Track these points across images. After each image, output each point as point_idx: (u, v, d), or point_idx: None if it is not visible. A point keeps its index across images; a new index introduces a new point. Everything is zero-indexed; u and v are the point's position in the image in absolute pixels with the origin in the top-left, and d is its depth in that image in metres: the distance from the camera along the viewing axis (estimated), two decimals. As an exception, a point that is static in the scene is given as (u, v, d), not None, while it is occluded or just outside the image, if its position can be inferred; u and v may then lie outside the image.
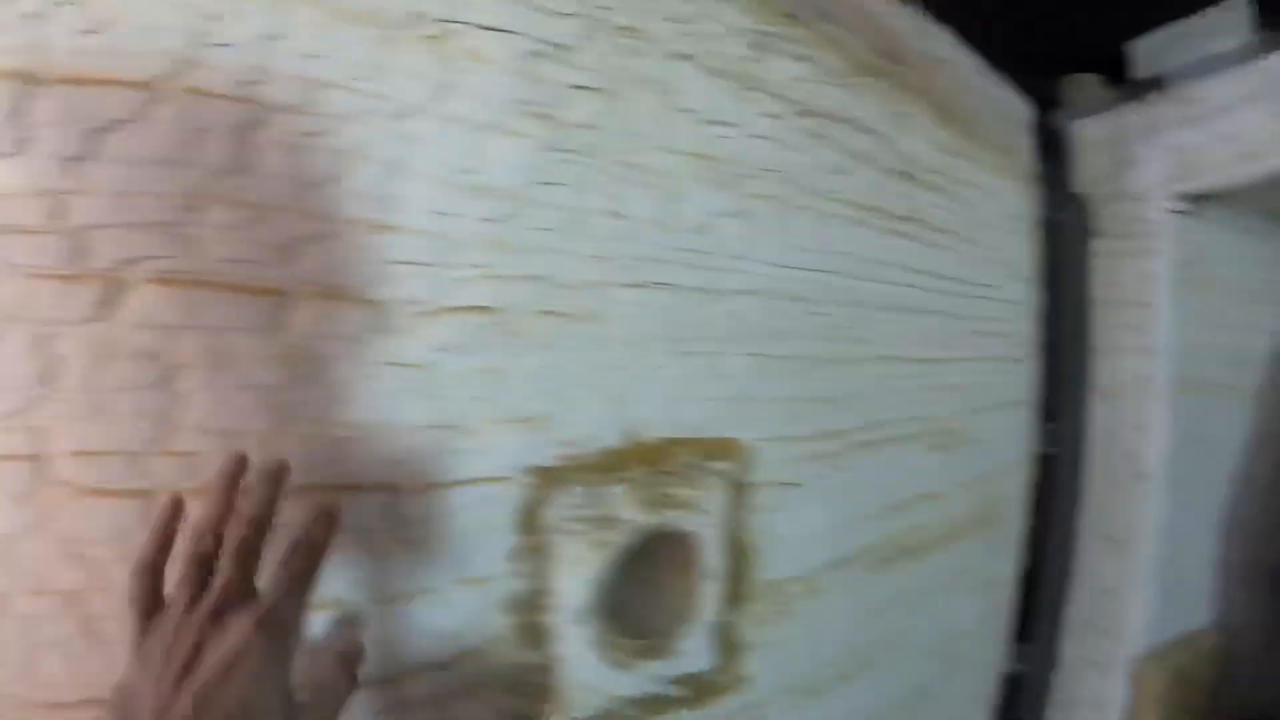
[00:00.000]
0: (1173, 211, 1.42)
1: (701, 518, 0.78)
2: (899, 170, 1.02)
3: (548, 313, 0.67)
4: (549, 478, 0.68)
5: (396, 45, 0.60)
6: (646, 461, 0.74)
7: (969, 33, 1.27)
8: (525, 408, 0.66)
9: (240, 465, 0.52)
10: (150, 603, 0.47)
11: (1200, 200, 1.46)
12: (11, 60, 0.48)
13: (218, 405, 0.54)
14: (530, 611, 0.70)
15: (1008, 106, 1.38)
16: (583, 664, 0.73)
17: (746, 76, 0.82)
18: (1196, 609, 1.63)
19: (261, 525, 0.49)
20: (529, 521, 0.68)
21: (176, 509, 0.50)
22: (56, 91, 0.49)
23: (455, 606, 0.66)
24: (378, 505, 0.61)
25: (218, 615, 0.46)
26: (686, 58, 0.77)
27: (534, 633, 0.70)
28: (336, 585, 0.59)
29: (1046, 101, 1.68)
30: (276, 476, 0.51)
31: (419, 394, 0.61)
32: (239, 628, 0.45)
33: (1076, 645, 1.54)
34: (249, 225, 0.54)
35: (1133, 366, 1.40)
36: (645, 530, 0.73)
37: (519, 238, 0.65)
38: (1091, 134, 1.51)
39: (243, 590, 0.47)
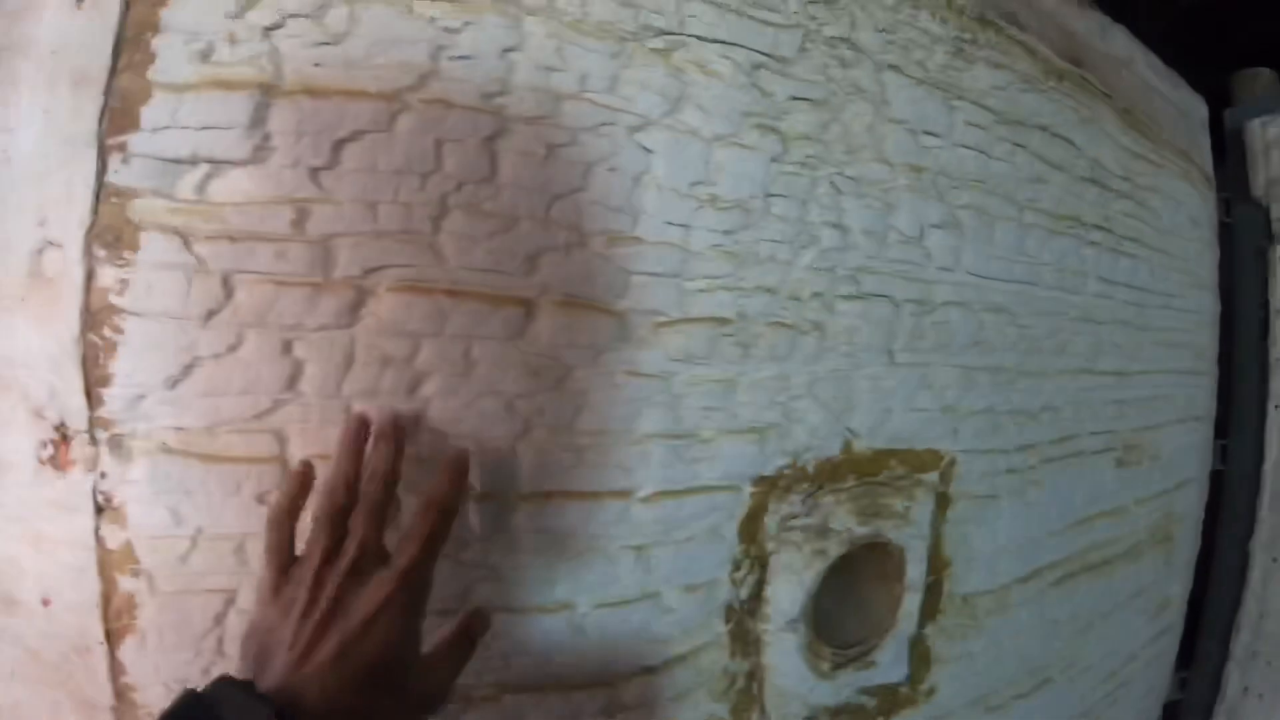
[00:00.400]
0: (1362, 216, 1.35)
1: (909, 529, 0.79)
2: (1090, 178, 1.00)
3: (777, 324, 0.69)
4: (772, 487, 0.70)
5: (629, 58, 0.61)
6: (860, 472, 0.75)
7: (1134, 29, 1.24)
8: (754, 418, 0.68)
9: (364, 426, 0.53)
10: (286, 553, 0.50)
11: (1391, 205, 1.39)
12: (250, 71, 0.51)
13: (460, 411, 0.57)
14: (745, 618, 0.72)
15: (1186, 105, 1.34)
16: (789, 672, 0.75)
17: (950, 85, 0.83)
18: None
19: (391, 484, 0.52)
20: (751, 530, 0.70)
21: (308, 468, 0.52)
22: (295, 102, 0.51)
23: (676, 612, 0.68)
24: (611, 511, 0.63)
25: (355, 569, 0.48)
26: (894, 68, 0.78)
27: (746, 640, 0.72)
28: (565, 589, 0.62)
29: (1217, 99, 1.62)
30: (397, 436, 0.53)
31: (656, 403, 0.64)
32: (382, 582, 0.48)
33: (1241, 675, 1.48)
34: (493, 235, 0.56)
35: (1317, 381, 1.34)
36: (857, 540, 0.74)
37: (750, 249, 0.67)
38: (1266, 133, 1.45)
39: (377, 547, 0.50)
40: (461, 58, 0.55)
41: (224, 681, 0.45)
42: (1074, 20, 1.08)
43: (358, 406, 0.54)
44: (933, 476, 0.81)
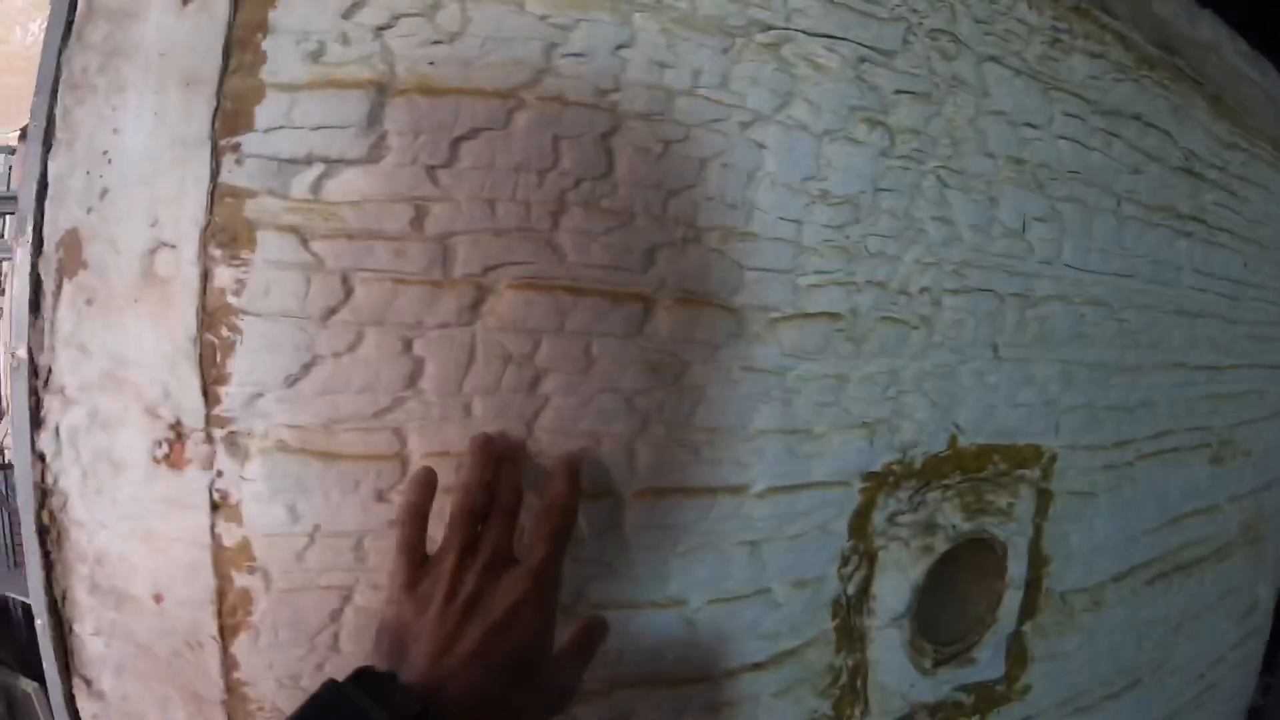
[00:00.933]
0: None
1: (1012, 525, 0.79)
2: (1183, 167, 1.00)
3: (886, 319, 0.69)
4: (880, 482, 0.71)
5: (739, 53, 0.62)
6: (965, 468, 0.76)
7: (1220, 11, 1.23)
8: (865, 413, 0.69)
9: (496, 438, 0.56)
10: (420, 549, 0.52)
11: None
12: (363, 71, 0.52)
13: (579, 408, 0.58)
14: (851, 614, 0.73)
15: (1275, 91, 1.32)
16: (892, 668, 0.76)
17: (1048, 75, 0.83)
18: None
19: (520, 495, 0.54)
20: (860, 526, 0.71)
21: (432, 472, 0.54)
22: (410, 101, 0.52)
23: (785, 607, 0.69)
24: (726, 507, 0.64)
25: (491, 567, 0.50)
26: (994, 59, 0.78)
27: (851, 635, 0.73)
28: (678, 585, 0.64)
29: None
30: (520, 455, 0.56)
31: (771, 399, 0.65)
32: (517, 579, 0.50)
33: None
34: (610, 231, 0.57)
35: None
36: (963, 536, 0.75)
37: (860, 244, 0.68)
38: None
39: (509, 550, 0.52)
40: (575, 55, 0.56)
41: (365, 672, 0.46)
42: (1163, 6, 1.07)
43: (478, 408, 0.56)
44: (1034, 472, 0.81)
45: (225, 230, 0.51)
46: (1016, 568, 0.81)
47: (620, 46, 0.58)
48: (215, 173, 0.51)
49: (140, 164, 0.51)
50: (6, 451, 1.85)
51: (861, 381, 0.69)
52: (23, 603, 1.75)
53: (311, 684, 0.54)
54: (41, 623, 0.55)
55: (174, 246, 0.51)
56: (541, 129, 0.55)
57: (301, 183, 0.51)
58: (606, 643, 0.57)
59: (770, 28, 0.64)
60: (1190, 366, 1.00)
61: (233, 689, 0.55)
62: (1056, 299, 0.81)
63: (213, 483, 0.52)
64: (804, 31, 0.66)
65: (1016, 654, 0.87)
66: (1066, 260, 0.82)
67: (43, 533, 0.54)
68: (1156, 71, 0.99)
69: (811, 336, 0.66)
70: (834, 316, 0.67)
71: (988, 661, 0.83)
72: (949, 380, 0.74)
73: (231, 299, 0.51)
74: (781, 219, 0.65)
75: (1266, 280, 1.16)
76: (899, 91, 0.71)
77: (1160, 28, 1.04)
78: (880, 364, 0.70)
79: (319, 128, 0.51)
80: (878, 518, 0.72)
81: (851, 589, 0.72)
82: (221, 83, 0.51)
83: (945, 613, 0.83)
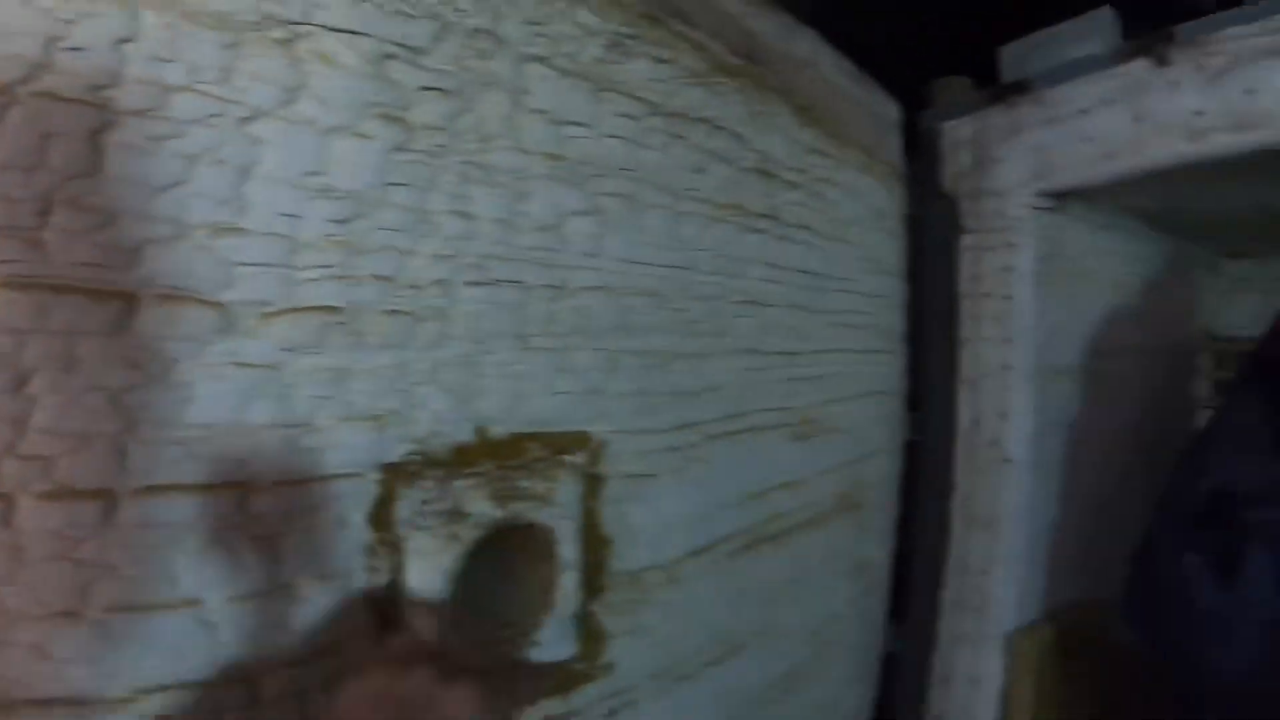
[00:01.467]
0: (1034, 208, 1.54)
1: (554, 510, 0.83)
2: (757, 169, 1.09)
3: (393, 312, 0.71)
4: (400, 474, 0.73)
5: (246, 49, 0.62)
6: (496, 456, 0.79)
7: (848, 36, 1.36)
8: (372, 405, 0.70)
9: None
10: None
11: (1060, 198, 1.58)
12: None
13: (67, 408, 0.56)
14: (386, 605, 0.74)
15: (876, 107, 1.48)
16: (437, 655, 0.78)
17: (601, 78, 0.88)
18: (1064, 584, 1.78)
19: None
20: (381, 517, 0.72)
21: None
22: None
23: (312, 602, 0.69)
24: (229, 503, 0.64)
25: None
26: (540, 59, 0.82)
27: (389, 627, 0.75)
28: (192, 584, 0.63)
29: (920, 103, 1.80)
30: None
31: (266, 394, 0.65)
32: None
33: (951, 624, 1.66)
34: (97, 229, 0.57)
35: (995, 356, 1.52)
36: (495, 523, 0.78)
37: (365, 239, 0.69)
38: (958, 134, 1.62)
39: None
40: (73, 49, 0.55)
41: None
42: (756, 21, 1.17)
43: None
44: (578, 458, 0.86)
45: None
46: (568, 550, 0.85)
47: (122, 41, 0.57)
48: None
49: None
50: None
51: (367, 374, 0.70)
52: None
53: None
54: None
55: None
56: (32, 126, 0.54)
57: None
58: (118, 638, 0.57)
59: (287, 23, 0.64)
60: (765, 352, 1.09)
61: None
62: (597, 290, 0.86)
63: None
64: (324, 27, 0.67)
65: (591, 633, 0.91)
66: (613, 253, 0.88)
67: None
68: (737, 80, 1.07)
69: (305, 330, 0.66)
70: (331, 310, 0.68)
71: (554, 642, 0.87)
72: (469, 371, 0.76)
73: None
74: (279, 214, 0.65)
75: (852, 273, 1.29)
76: (425, 88, 0.73)
77: (748, 40, 1.13)
78: (387, 356, 0.71)
79: None
80: (402, 509, 0.73)
81: (381, 580, 0.73)
82: None
83: (514, 600, 0.86)
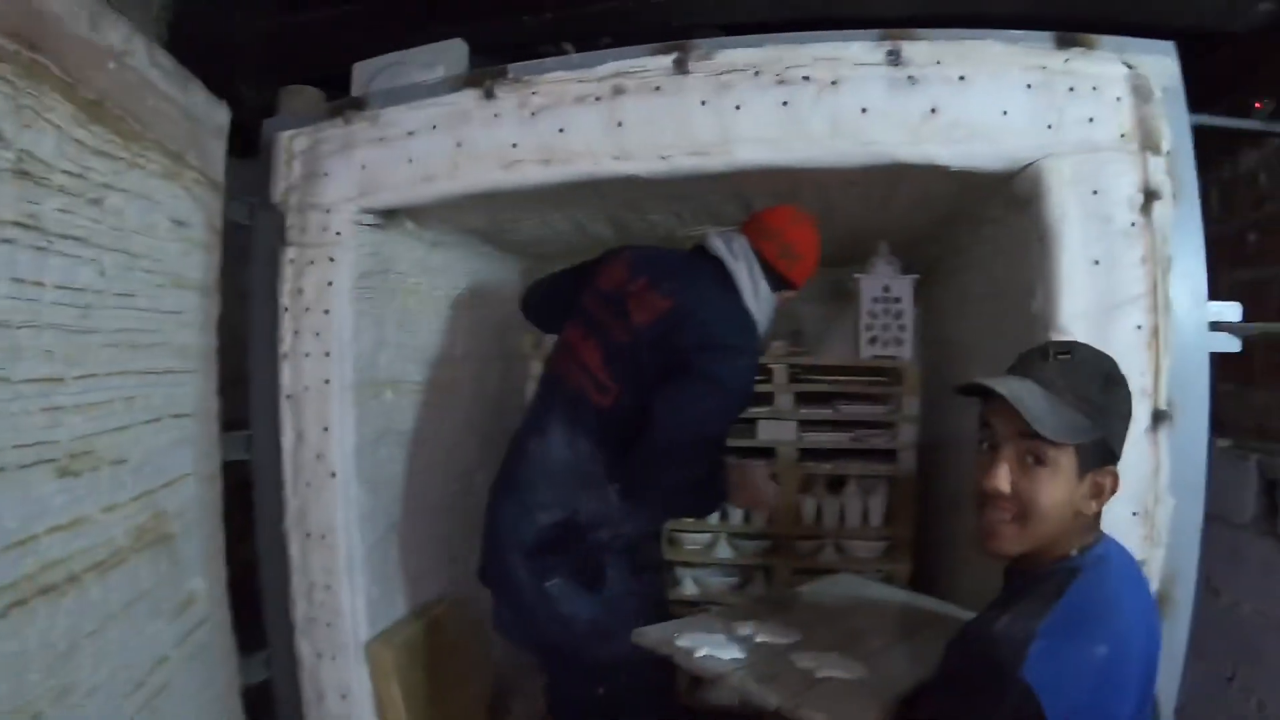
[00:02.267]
0: (357, 224, 1.61)
1: None
2: (15, 169, 0.96)
3: None
4: None
5: None
6: None
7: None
8: None
9: None
10: None
11: (387, 215, 1.68)
12: None
13: None
14: None
15: (196, 109, 1.41)
16: None
17: None
18: (419, 585, 1.89)
19: None
20: None
21: None
22: None
23: None
24: None
25: None
26: None
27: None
28: None
29: (265, 110, 1.77)
30: None
31: None
32: None
33: (309, 642, 1.66)
34: None
35: (317, 370, 1.56)
36: None
37: None
38: (295, 145, 1.63)
39: None
40: None
41: None
42: (55, 3, 1.02)
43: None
44: None
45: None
46: None
47: None
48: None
49: None
50: None
51: None
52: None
53: None
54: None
55: None
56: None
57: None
58: None
59: None
60: (14, 381, 0.97)
61: None
62: None
63: None
64: None
65: None
66: None
67: None
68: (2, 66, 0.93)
69: None
70: None
71: None
72: None
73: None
74: None
75: (140, 289, 1.21)
76: None
77: (33, 21, 0.98)
78: None
79: None
80: None
81: None
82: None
83: None
